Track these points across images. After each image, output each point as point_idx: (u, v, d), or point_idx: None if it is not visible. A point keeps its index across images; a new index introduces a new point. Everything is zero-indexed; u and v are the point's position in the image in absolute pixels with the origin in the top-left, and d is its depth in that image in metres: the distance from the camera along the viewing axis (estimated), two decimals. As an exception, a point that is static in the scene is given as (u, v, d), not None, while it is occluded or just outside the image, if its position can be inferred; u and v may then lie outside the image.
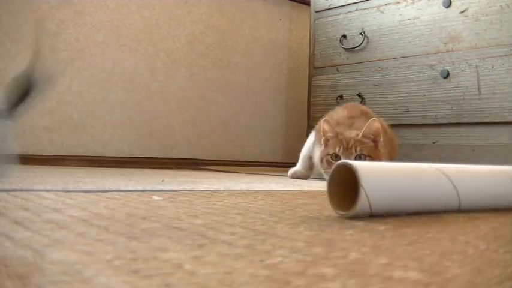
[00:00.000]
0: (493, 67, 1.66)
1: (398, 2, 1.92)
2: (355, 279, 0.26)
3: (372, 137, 1.30)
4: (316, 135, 1.48)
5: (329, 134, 1.31)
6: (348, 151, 1.27)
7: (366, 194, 0.52)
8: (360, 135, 1.28)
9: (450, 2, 1.76)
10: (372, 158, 1.29)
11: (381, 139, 1.31)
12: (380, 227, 0.46)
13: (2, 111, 0.52)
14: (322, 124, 1.32)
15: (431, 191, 0.60)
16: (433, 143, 1.81)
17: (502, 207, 0.67)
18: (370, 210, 0.53)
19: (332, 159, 1.29)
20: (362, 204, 0.52)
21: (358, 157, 1.28)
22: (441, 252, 0.35)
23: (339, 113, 1.49)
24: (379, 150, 1.31)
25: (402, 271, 0.28)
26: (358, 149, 1.27)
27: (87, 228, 0.39)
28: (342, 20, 2.10)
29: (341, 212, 0.54)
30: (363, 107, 1.65)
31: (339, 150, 1.27)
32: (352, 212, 0.52)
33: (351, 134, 1.30)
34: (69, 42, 1.86)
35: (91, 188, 0.78)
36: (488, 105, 1.66)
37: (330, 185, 0.56)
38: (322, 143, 1.33)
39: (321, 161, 1.33)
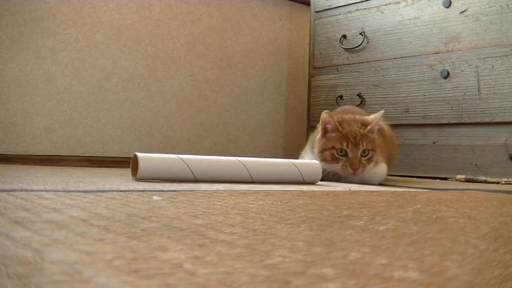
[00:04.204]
0: (493, 67, 1.66)
1: (398, 2, 1.92)
2: (355, 279, 0.26)
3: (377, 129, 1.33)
4: (310, 146, 1.46)
5: (328, 125, 1.31)
6: (356, 147, 1.28)
7: (145, 165, 0.98)
8: (367, 130, 1.30)
9: (450, 2, 1.76)
10: (374, 151, 1.30)
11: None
12: (380, 227, 0.46)
13: None
14: (323, 115, 1.32)
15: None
16: (433, 143, 1.81)
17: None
18: (153, 176, 0.99)
19: (338, 154, 1.29)
20: (141, 172, 0.97)
21: (362, 152, 1.29)
22: (441, 252, 0.35)
23: None
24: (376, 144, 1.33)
25: (402, 271, 0.28)
26: (364, 144, 1.28)
27: (87, 228, 0.39)
28: (342, 20, 2.10)
29: (134, 178, 1.00)
30: (356, 109, 1.65)
31: (347, 146, 1.28)
32: (137, 176, 0.98)
33: (354, 127, 1.30)
34: (69, 42, 1.86)
35: (91, 188, 0.78)
36: (488, 105, 1.66)
37: (132, 166, 1.01)
38: (319, 130, 1.34)
39: (321, 151, 1.33)
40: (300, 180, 1.17)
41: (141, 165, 0.97)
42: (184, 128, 2.12)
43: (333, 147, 1.30)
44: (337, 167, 1.29)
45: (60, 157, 1.82)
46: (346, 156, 1.29)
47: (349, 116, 1.36)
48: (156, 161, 1.01)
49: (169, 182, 0.98)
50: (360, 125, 1.31)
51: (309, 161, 1.27)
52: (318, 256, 0.32)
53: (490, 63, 1.66)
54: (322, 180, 1.23)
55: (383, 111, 1.38)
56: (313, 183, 1.18)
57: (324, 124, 1.32)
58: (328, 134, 1.32)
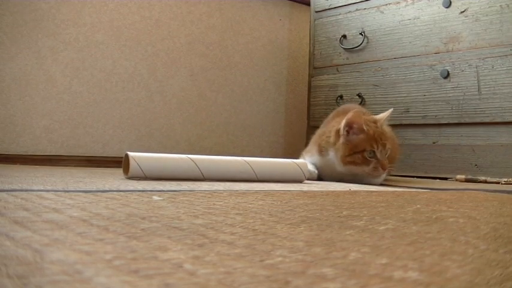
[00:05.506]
0: (493, 67, 1.66)
1: (398, 2, 1.92)
2: (355, 279, 0.26)
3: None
4: (316, 148, 1.43)
5: (355, 126, 1.28)
6: (385, 149, 1.29)
7: (136, 163, 1.02)
8: (388, 131, 1.33)
9: (450, 2, 1.76)
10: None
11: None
12: (380, 227, 0.46)
13: None
14: (350, 115, 1.28)
15: (178, 166, 1.07)
16: (433, 143, 1.81)
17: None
18: (144, 174, 1.03)
19: (367, 156, 1.28)
20: (133, 169, 1.02)
21: (386, 151, 1.31)
22: (441, 252, 0.35)
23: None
24: None
25: (402, 271, 0.28)
26: (387, 146, 1.30)
27: (87, 228, 0.39)
28: (342, 20, 2.10)
29: (125, 176, 1.05)
30: (357, 107, 1.65)
31: (377, 148, 1.28)
32: (129, 174, 1.02)
33: (376, 127, 1.30)
34: (69, 42, 1.86)
35: (91, 188, 0.78)
36: (488, 105, 1.66)
37: (124, 164, 1.06)
38: (343, 132, 1.29)
39: (348, 153, 1.29)
40: (301, 178, 1.22)
41: (132, 163, 1.03)
42: (184, 128, 2.12)
43: (364, 150, 1.28)
44: (367, 169, 1.28)
45: (60, 157, 1.82)
46: (375, 158, 1.28)
47: (368, 116, 1.36)
48: (146, 160, 1.05)
49: (169, 182, 0.98)
50: (375, 124, 1.31)
51: (301, 160, 1.31)
52: (318, 256, 0.32)
53: (490, 63, 1.66)
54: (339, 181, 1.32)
55: (392, 109, 1.40)
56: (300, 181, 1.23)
57: (349, 125, 1.29)
58: (354, 136, 1.29)
